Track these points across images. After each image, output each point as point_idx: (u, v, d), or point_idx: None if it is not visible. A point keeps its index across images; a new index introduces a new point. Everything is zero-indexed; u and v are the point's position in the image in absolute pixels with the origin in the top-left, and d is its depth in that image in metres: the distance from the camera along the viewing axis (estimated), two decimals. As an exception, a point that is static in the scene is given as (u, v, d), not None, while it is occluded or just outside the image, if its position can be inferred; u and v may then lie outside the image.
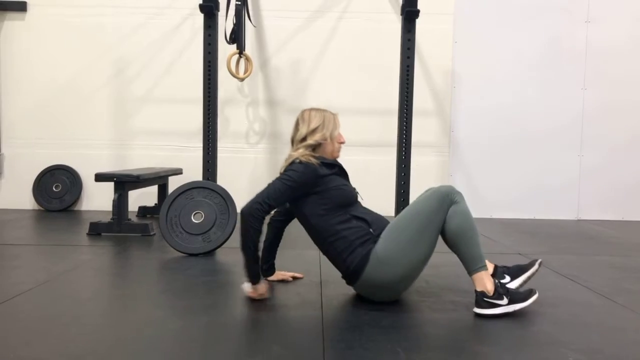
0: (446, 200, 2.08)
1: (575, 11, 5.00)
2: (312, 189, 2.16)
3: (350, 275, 2.13)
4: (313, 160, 2.18)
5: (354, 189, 2.29)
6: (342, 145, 2.37)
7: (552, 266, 2.95)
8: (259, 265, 2.18)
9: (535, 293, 2.12)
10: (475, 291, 2.08)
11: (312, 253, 3.05)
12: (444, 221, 2.08)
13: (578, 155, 5.06)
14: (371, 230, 2.12)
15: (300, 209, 2.22)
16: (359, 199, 2.30)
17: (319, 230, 2.18)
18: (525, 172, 5.05)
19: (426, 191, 2.22)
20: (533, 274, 2.30)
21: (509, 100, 5.02)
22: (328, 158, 2.28)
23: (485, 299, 2.05)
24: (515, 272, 2.31)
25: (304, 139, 2.28)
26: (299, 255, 3.06)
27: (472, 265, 2.07)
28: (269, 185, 2.14)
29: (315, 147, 2.27)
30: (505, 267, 2.33)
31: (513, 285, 2.27)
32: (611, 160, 5.05)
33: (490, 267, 2.30)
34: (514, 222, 4.74)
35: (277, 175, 2.21)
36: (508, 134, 5.03)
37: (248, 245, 2.08)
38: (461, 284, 2.50)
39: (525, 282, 2.29)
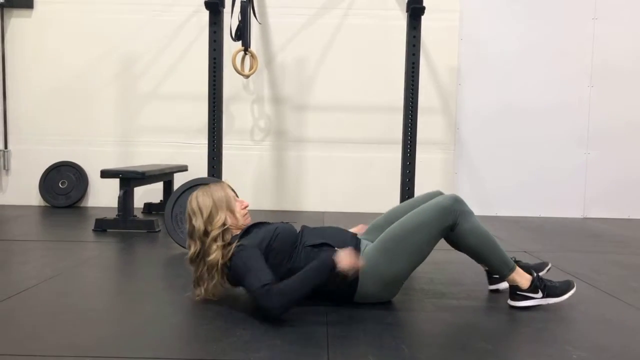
0: (449, 215, 2.03)
1: (583, 8, 4.96)
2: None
3: (346, 295, 2.07)
4: (233, 247, 1.98)
5: (283, 222, 2.15)
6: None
7: (557, 264, 2.94)
8: (315, 264, 1.93)
9: (573, 287, 2.13)
10: (510, 286, 2.12)
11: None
12: (458, 241, 2.08)
13: (584, 153, 5.03)
14: (337, 249, 2.02)
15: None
16: (294, 225, 2.17)
17: None
18: (531, 170, 5.03)
19: (433, 195, 2.23)
20: None
21: (515, 98, 5.00)
22: (238, 230, 2.09)
23: (519, 292, 2.09)
24: None
25: (205, 232, 2.01)
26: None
27: (501, 273, 2.11)
28: (249, 274, 1.88)
29: (224, 233, 2.03)
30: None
31: None
32: (617, 158, 5.02)
33: None
34: (519, 220, 4.73)
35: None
36: (514, 131, 5.01)
37: (310, 287, 1.89)
38: (465, 281, 2.50)
39: None
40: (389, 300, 2.14)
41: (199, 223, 2.02)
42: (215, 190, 2.09)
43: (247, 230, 2.08)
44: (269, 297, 1.82)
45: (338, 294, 2.07)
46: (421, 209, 2.08)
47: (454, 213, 2.04)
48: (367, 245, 2.10)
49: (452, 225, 2.04)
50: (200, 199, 2.06)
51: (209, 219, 2.03)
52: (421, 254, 2.05)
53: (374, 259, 2.02)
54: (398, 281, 2.09)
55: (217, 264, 1.99)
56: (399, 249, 2.02)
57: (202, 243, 2.03)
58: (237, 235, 2.06)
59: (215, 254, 1.99)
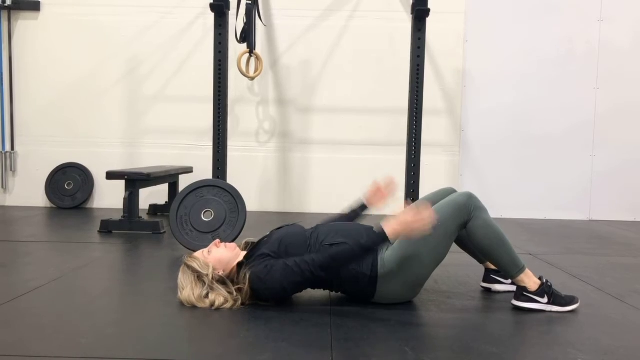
0: (464, 212, 2.05)
1: (588, 10, 4.95)
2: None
3: (365, 296, 2.08)
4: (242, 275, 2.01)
5: (287, 225, 2.18)
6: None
7: (562, 266, 2.93)
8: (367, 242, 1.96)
9: (577, 302, 2.13)
10: (517, 286, 2.12)
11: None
12: (469, 236, 2.09)
13: (590, 155, 5.02)
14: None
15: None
16: (294, 225, 2.19)
17: (318, 281, 2.05)
18: (537, 172, 5.01)
19: (446, 192, 2.26)
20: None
21: (521, 100, 4.99)
22: (233, 269, 2.06)
23: (525, 293, 2.09)
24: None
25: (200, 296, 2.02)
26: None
27: (509, 273, 2.11)
28: (282, 270, 1.96)
29: (222, 281, 2.04)
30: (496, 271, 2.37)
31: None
32: (623, 160, 4.99)
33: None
34: (525, 222, 4.71)
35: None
36: (519, 133, 5.00)
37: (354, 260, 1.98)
38: (470, 283, 2.50)
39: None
40: (410, 300, 2.16)
41: (184, 294, 2.04)
42: (185, 267, 2.06)
43: (249, 255, 2.07)
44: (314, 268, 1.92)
45: (358, 294, 2.09)
46: (437, 208, 2.08)
47: (469, 209, 2.06)
48: (387, 248, 2.10)
49: (467, 221, 2.06)
50: (180, 278, 2.06)
51: (199, 280, 2.03)
52: (441, 252, 2.07)
53: (395, 261, 2.03)
54: (420, 281, 2.11)
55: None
56: (419, 249, 2.02)
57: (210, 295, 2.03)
58: (242, 261, 2.06)
59: (222, 294, 2.01)
